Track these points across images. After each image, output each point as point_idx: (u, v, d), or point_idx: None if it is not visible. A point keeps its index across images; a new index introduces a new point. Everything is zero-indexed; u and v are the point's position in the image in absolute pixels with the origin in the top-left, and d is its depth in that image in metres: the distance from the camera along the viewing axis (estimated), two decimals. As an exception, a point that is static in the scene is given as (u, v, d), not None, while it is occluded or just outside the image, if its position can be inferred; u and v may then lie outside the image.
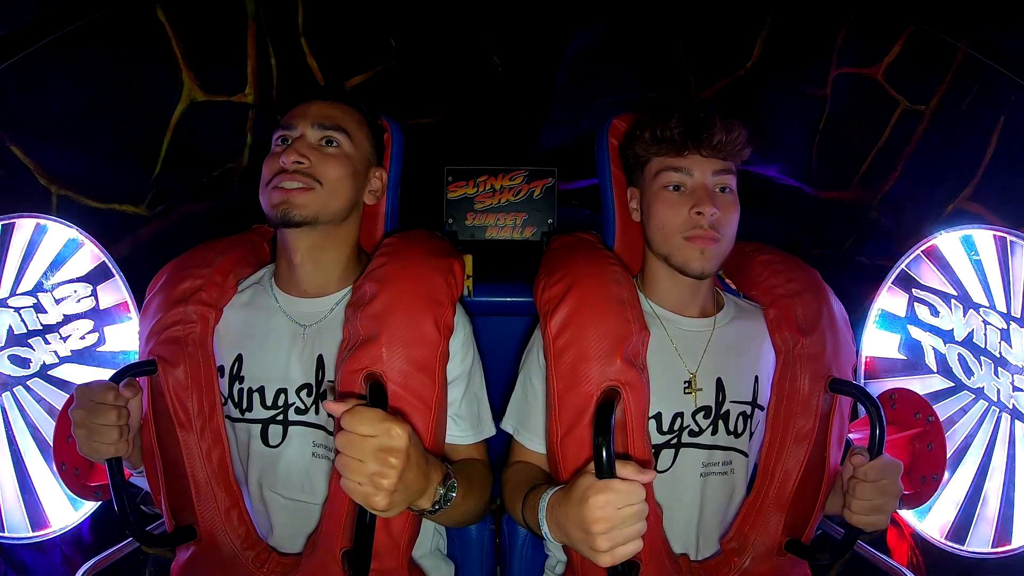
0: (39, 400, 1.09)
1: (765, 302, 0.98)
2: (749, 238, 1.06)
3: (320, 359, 0.89)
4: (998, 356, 1.03)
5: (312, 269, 0.93)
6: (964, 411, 1.08)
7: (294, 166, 0.87)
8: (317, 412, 0.89)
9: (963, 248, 1.09)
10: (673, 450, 0.90)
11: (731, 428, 0.92)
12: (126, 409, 0.82)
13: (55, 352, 1.10)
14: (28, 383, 1.08)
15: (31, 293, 1.08)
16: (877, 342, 1.23)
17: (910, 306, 1.17)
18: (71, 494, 1.05)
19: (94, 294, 1.14)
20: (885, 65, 1.16)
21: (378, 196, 1.00)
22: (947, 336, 1.11)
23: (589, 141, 1.11)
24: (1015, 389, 1.01)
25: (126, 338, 1.17)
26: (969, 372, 1.07)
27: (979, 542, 1.03)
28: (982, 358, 1.05)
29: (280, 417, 0.89)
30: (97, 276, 1.15)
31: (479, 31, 1.36)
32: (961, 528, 1.06)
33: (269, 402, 0.89)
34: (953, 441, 1.06)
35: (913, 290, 1.17)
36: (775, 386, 0.93)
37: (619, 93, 1.46)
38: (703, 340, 0.95)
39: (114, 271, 1.16)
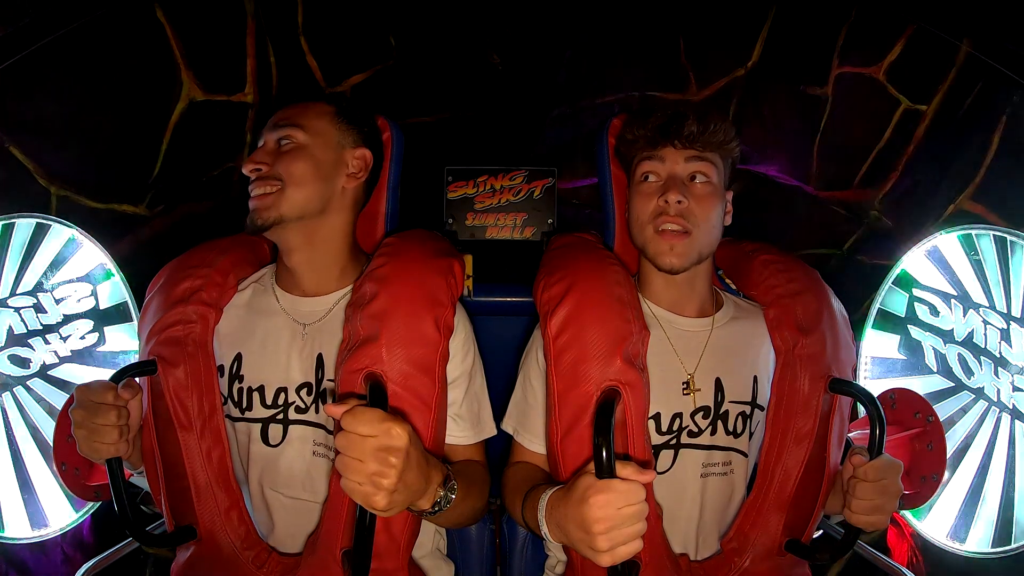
0: (39, 400, 1.09)
1: (765, 302, 0.98)
2: (749, 238, 1.06)
3: (320, 358, 0.89)
4: (998, 356, 1.03)
5: (306, 268, 0.93)
6: (964, 411, 1.08)
7: (254, 174, 0.90)
8: (317, 411, 0.89)
9: (963, 248, 1.08)
10: (673, 450, 0.90)
11: (730, 428, 0.92)
12: (126, 409, 0.82)
13: (55, 352, 1.10)
14: (28, 383, 1.08)
15: (31, 293, 1.08)
16: (877, 342, 1.23)
17: (910, 306, 1.17)
18: (71, 494, 1.05)
19: (94, 294, 1.14)
20: (886, 64, 1.16)
21: (360, 177, 0.96)
22: (947, 336, 1.11)
23: (589, 140, 1.11)
24: (1015, 389, 1.01)
25: (126, 338, 1.17)
26: (969, 372, 1.07)
27: (979, 542, 1.04)
28: (982, 358, 1.05)
29: (280, 416, 0.89)
30: (97, 276, 1.15)
31: (479, 29, 1.36)
32: (961, 528, 1.06)
33: (269, 401, 0.89)
34: (953, 441, 1.06)
35: (913, 290, 1.17)
36: (775, 386, 0.93)
37: (620, 92, 1.46)
38: (701, 340, 0.95)
39: (114, 271, 1.16)
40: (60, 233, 1.09)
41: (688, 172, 0.91)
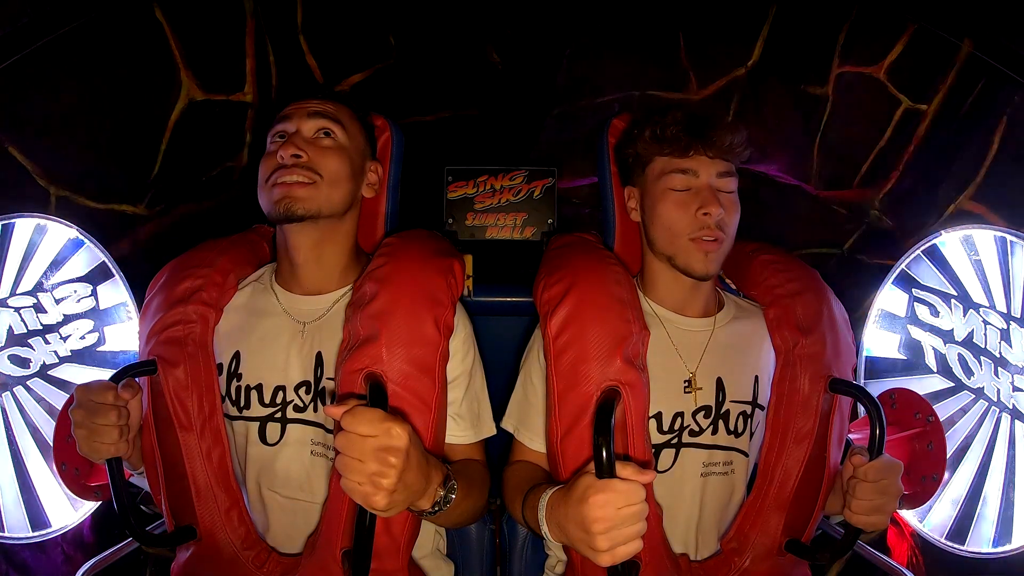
0: (39, 400, 1.09)
1: (765, 302, 0.98)
2: (750, 237, 1.06)
3: (319, 356, 0.89)
4: (998, 356, 1.03)
5: (314, 267, 0.93)
6: (964, 411, 1.08)
7: (292, 160, 0.87)
8: (316, 410, 0.89)
9: (963, 248, 1.08)
10: (674, 450, 0.90)
11: (731, 428, 0.92)
12: (126, 409, 0.82)
13: (55, 352, 1.10)
14: (28, 383, 1.08)
15: (31, 293, 1.08)
16: (877, 342, 1.23)
17: (910, 306, 1.17)
18: (71, 494, 1.05)
19: (94, 294, 1.14)
20: (887, 64, 1.15)
21: (375, 189, 0.99)
22: (947, 336, 1.11)
23: (589, 140, 1.11)
24: (1015, 389, 1.00)
25: (126, 338, 1.17)
26: (969, 372, 1.07)
27: (979, 542, 1.03)
28: (982, 358, 1.05)
29: (278, 415, 0.89)
30: (97, 276, 1.14)
31: (479, 29, 1.36)
32: (961, 528, 1.06)
33: (267, 400, 0.89)
34: (953, 441, 1.06)
35: (913, 290, 1.16)
36: (775, 386, 0.93)
37: (620, 91, 1.46)
38: (703, 340, 0.95)
39: (114, 271, 1.16)
40: (60, 233, 1.09)
41: (721, 186, 0.91)
